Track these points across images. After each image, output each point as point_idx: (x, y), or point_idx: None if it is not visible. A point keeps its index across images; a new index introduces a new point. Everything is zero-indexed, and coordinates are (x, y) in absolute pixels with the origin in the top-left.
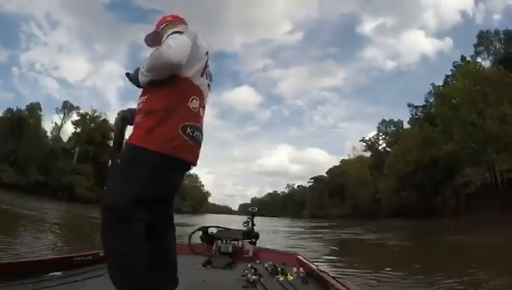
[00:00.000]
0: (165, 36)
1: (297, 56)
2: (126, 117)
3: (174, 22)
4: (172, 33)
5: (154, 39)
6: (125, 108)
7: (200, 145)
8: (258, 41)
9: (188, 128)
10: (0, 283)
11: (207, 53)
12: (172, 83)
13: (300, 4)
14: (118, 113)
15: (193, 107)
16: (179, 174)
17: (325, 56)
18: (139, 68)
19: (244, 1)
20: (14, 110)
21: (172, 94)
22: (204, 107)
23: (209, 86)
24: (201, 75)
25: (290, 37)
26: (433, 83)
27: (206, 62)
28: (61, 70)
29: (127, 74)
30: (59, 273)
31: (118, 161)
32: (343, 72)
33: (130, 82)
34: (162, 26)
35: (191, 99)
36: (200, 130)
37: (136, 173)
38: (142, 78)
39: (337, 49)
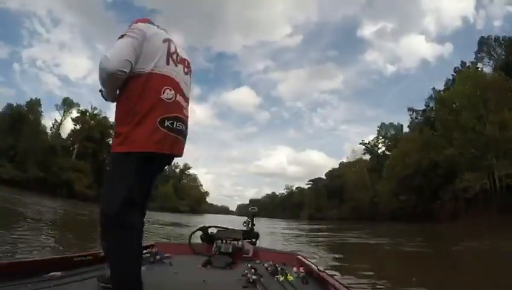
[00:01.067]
0: None
1: (298, 58)
2: None
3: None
4: (117, 40)
5: None
6: None
7: (184, 136)
8: (258, 43)
9: (166, 120)
10: (0, 283)
11: (165, 40)
12: (135, 82)
13: (299, 7)
14: None
15: (167, 98)
16: (162, 169)
17: (325, 59)
18: None
19: (244, 3)
20: (14, 105)
21: (140, 91)
22: (184, 95)
23: (187, 72)
24: (168, 63)
25: (289, 40)
26: (434, 88)
27: (169, 49)
28: (63, 68)
29: (100, 91)
30: (59, 273)
31: (107, 169)
32: (343, 75)
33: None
34: None
35: (163, 91)
36: (180, 119)
37: (122, 177)
38: (104, 94)
39: (337, 52)
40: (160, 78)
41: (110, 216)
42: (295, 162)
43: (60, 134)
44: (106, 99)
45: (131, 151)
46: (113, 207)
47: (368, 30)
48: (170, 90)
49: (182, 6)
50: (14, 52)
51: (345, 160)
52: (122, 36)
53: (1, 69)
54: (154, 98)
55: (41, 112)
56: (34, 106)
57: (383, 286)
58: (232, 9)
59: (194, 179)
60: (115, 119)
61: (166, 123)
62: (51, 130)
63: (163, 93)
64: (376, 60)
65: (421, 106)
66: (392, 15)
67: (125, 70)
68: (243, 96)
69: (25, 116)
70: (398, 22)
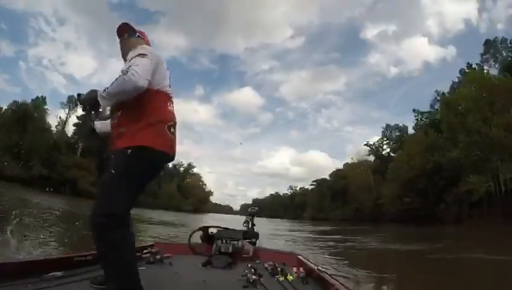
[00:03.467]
0: (130, 56)
1: (301, 60)
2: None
3: (141, 40)
4: (136, 57)
5: (125, 46)
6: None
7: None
8: (261, 45)
9: (172, 127)
10: (0, 283)
11: (167, 66)
12: (148, 95)
13: (302, 9)
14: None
15: (170, 110)
16: (160, 171)
17: (329, 61)
18: (95, 91)
19: (247, 4)
20: (20, 103)
21: (152, 102)
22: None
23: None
24: (170, 86)
25: (292, 41)
26: (437, 90)
27: (169, 74)
28: (68, 67)
29: (78, 95)
30: (59, 273)
31: (113, 170)
32: (347, 77)
33: (82, 104)
34: (132, 36)
35: (168, 104)
36: (175, 126)
37: (133, 177)
38: (105, 102)
39: (340, 54)
40: (167, 95)
41: (116, 216)
42: (298, 163)
43: (65, 132)
44: (91, 107)
45: (146, 145)
46: (121, 207)
47: (370, 32)
48: (171, 102)
49: (186, 8)
50: (20, 51)
51: (349, 161)
52: (143, 56)
53: (8, 67)
54: (163, 108)
55: (47, 109)
56: (39, 103)
57: None
58: (235, 11)
59: (198, 178)
60: (122, 122)
61: (172, 130)
62: (56, 127)
63: (169, 106)
64: (379, 62)
65: (424, 108)
66: (395, 18)
67: (146, 86)
68: (246, 97)
69: (30, 114)
70: (400, 24)
